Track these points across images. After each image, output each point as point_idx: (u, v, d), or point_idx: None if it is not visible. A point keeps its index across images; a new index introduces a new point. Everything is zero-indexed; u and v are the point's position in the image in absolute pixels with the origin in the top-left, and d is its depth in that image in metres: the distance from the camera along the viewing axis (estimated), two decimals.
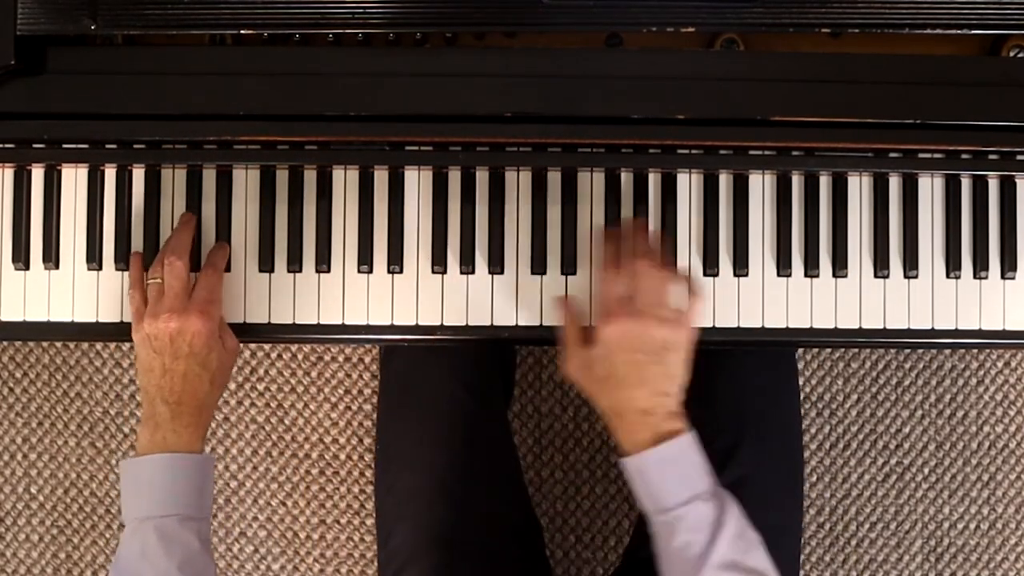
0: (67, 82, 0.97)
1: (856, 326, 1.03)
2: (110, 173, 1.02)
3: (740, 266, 1.02)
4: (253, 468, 1.66)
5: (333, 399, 1.66)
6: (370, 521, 1.65)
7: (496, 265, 1.02)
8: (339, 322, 1.02)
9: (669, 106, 0.96)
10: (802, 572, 1.63)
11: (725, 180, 1.03)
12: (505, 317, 1.02)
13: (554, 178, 1.02)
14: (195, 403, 0.95)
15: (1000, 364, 1.67)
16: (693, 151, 1.00)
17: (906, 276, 1.03)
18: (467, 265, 1.01)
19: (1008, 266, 1.03)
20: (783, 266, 1.02)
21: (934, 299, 1.03)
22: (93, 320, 1.02)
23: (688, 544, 0.87)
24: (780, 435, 1.17)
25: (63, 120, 0.98)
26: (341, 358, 1.66)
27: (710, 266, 1.02)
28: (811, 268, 1.02)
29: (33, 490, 1.66)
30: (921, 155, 1.01)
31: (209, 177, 1.02)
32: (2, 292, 1.02)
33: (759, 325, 1.02)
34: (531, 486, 1.61)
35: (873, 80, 0.97)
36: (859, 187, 1.03)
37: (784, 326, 1.02)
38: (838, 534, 1.67)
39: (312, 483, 1.66)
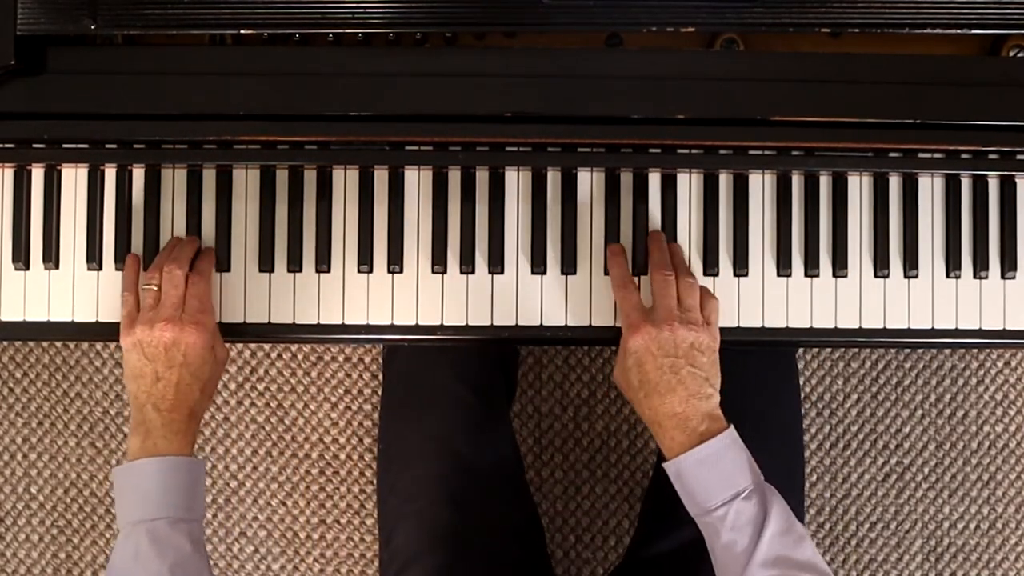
0: (67, 82, 0.97)
1: (856, 326, 1.03)
2: (110, 173, 1.02)
3: (740, 266, 1.02)
4: (253, 468, 1.66)
5: (333, 399, 1.66)
6: (370, 521, 1.65)
7: (496, 265, 1.02)
8: (339, 322, 1.02)
9: (669, 106, 0.97)
10: None
11: (725, 180, 1.03)
12: (505, 317, 1.02)
13: (554, 178, 1.02)
14: (186, 411, 0.95)
15: (1000, 364, 1.67)
16: (693, 151, 1.00)
17: (906, 276, 1.03)
18: (467, 265, 1.01)
19: (1008, 266, 1.03)
20: (783, 266, 1.02)
21: (934, 299, 1.03)
22: (93, 320, 1.02)
23: (733, 543, 0.88)
24: (780, 435, 1.17)
25: (63, 120, 0.98)
26: (341, 358, 1.66)
27: (710, 266, 1.02)
28: (811, 268, 1.02)
29: (33, 490, 1.66)
30: (921, 155, 1.01)
31: (209, 177, 1.02)
32: (2, 292, 1.02)
33: (759, 325, 1.02)
34: (531, 486, 1.61)
35: (873, 80, 0.97)
36: (859, 187, 1.03)
37: (784, 326, 1.02)
38: (838, 534, 1.67)
39: (312, 483, 1.66)
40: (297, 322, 1.02)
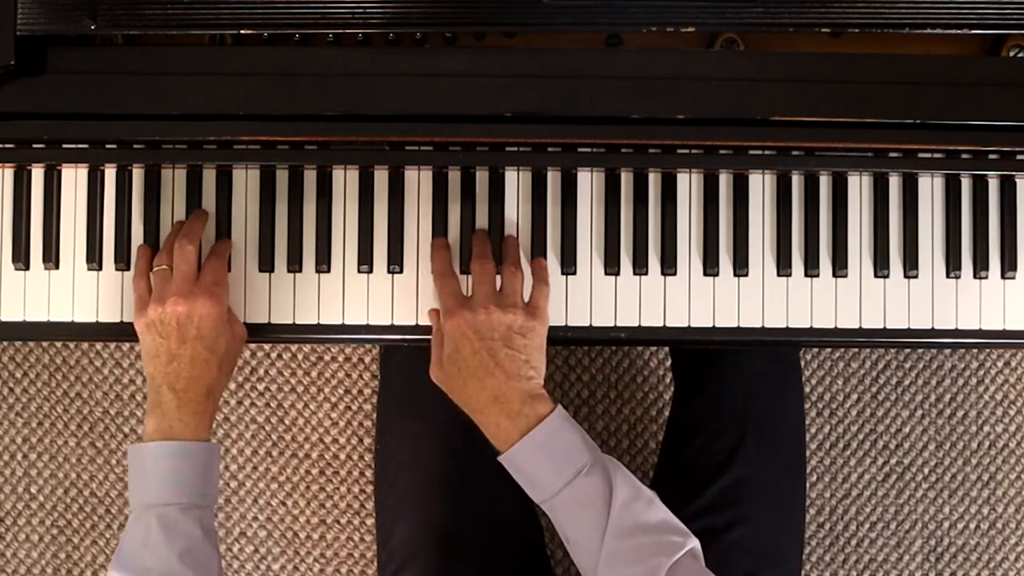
0: (67, 82, 0.97)
1: (856, 326, 1.03)
2: (110, 173, 1.02)
3: (740, 266, 1.02)
4: (253, 468, 1.66)
5: (333, 399, 1.66)
6: (370, 521, 1.65)
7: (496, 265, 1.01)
8: (339, 322, 1.02)
9: (669, 106, 0.97)
10: (802, 572, 1.63)
11: (725, 180, 1.03)
12: None
13: (554, 178, 1.02)
14: (202, 389, 0.94)
15: (1000, 364, 1.67)
16: (693, 151, 1.00)
17: (906, 276, 1.03)
18: (467, 265, 1.01)
19: (1008, 266, 1.03)
20: (783, 266, 1.02)
21: (934, 299, 1.03)
22: (93, 320, 1.02)
23: (583, 521, 0.87)
24: (783, 435, 1.17)
25: (63, 120, 0.98)
26: (341, 358, 1.66)
27: (710, 266, 1.02)
28: (811, 268, 1.02)
29: (33, 490, 1.66)
30: (921, 155, 1.01)
31: (209, 177, 1.02)
32: (2, 292, 1.02)
33: (759, 325, 1.02)
34: None
35: (873, 80, 0.97)
36: (859, 187, 1.03)
37: (784, 326, 1.02)
38: (838, 534, 1.67)
39: (312, 483, 1.66)
40: (297, 322, 1.02)
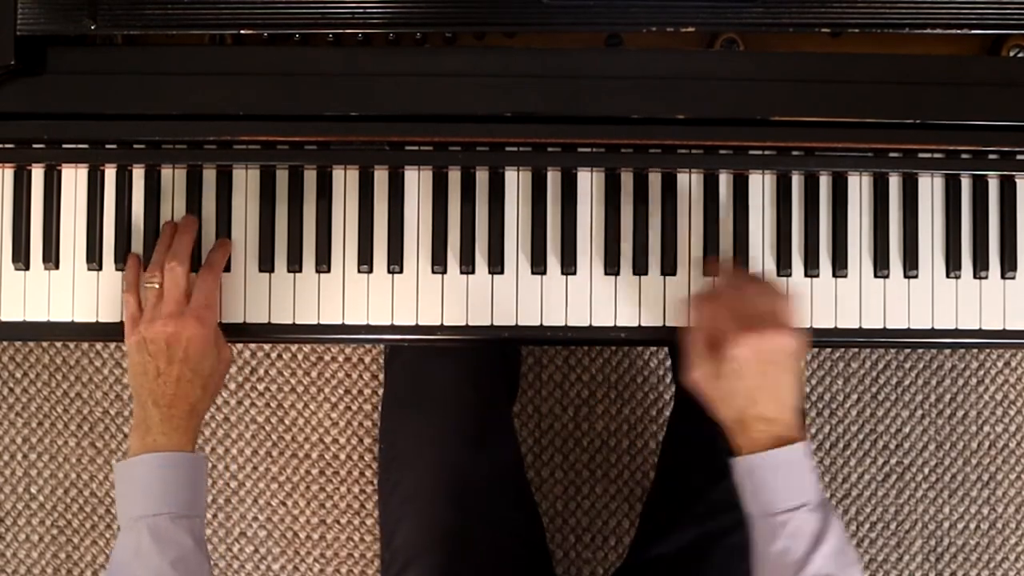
0: (67, 82, 0.97)
1: (856, 326, 1.03)
2: (110, 173, 1.02)
3: (740, 266, 1.02)
4: (253, 468, 1.66)
5: (333, 399, 1.66)
6: (370, 521, 1.65)
7: (496, 265, 1.02)
8: (339, 322, 1.02)
9: (669, 106, 0.97)
10: None
11: (725, 180, 1.02)
12: (505, 317, 1.02)
13: (554, 178, 1.02)
14: (186, 407, 0.95)
15: (1000, 364, 1.67)
16: (693, 151, 1.00)
17: (906, 276, 1.03)
18: (467, 265, 1.01)
19: (1008, 266, 1.03)
20: (783, 266, 1.02)
21: (934, 299, 1.03)
22: (93, 320, 1.02)
23: (787, 550, 0.87)
24: None
25: (63, 120, 0.98)
26: (341, 358, 1.66)
27: (710, 265, 1.02)
28: (811, 268, 1.02)
29: (33, 490, 1.66)
30: (921, 155, 1.01)
31: (209, 177, 1.02)
32: (2, 292, 1.02)
33: None
34: (531, 486, 1.61)
35: (873, 80, 0.97)
36: (859, 187, 1.03)
37: None
38: None
39: (312, 483, 1.66)
40: (297, 322, 1.02)
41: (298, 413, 1.66)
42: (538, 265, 1.01)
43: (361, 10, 0.95)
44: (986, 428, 1.67)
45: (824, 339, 1.03)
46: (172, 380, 0.94)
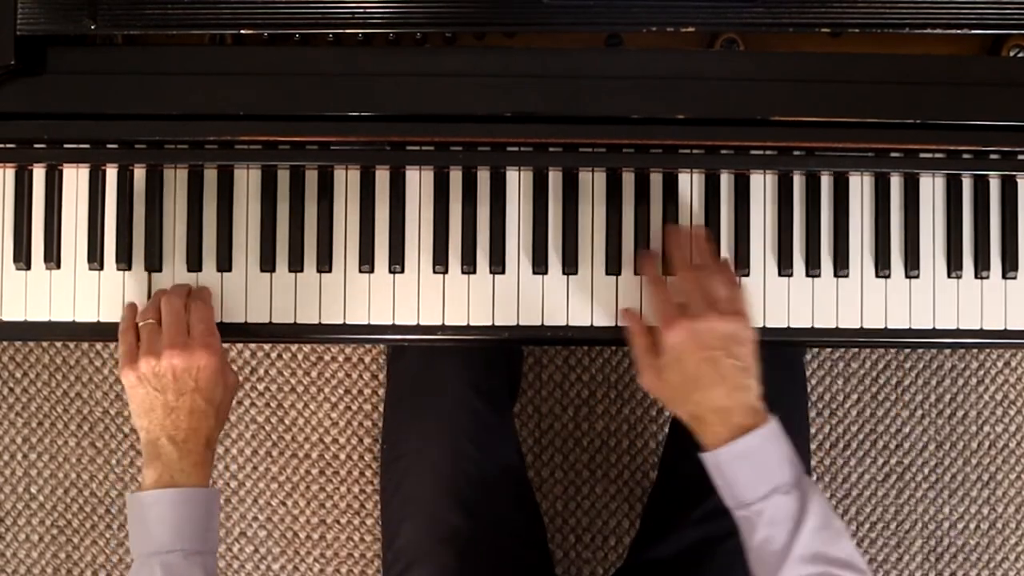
0: (67, 82, 0.97)
1: (857, 326, 1.03)
2: (111, 173, 1.02)
3: (741, 266, 1.02)
4: (253, 468, 1.66)
5: (333, 399, 1.66)
6: (370, 521, 1.65)
7: (497, 265, 1.02)
8: (340, 322, 1.02)
9: (669, 106, 0.97)
10: None
11: (726, 180, 1.03)
12: (507, 317, 1.02)
13: (555, 178, 1.02)
14: (202, 440, 0.93)
15: (1000, 364, 1.67)
16: (694, 151, 1.01)
17: (907, 276, 1.03)
18: (468, 265, 1.01)
19: (1009, 266, 1.03)
20: (784, 266, 1.02)
21: (935, 299, 1.03)
22: (94, 320, 1.02)
23: (769, 539, 0.87)
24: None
25: (63, 120, 0.98)
26: (341, 358, 1.66)
27: None
28: (812, 268, 1.02)
29: (33, 490, 1.66)
30: (922, 155, 1.01)
31: (210, 177, 1.02)
32: (3, 292, 1.02)
33: (760, 325, 1.02)
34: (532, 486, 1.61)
35: (873, 80, 0.97)
36: (860, 187, 1.03)
37: (785, 326, 1.02)
38: None
39: (312, 483, 1.66)
40: (298, 322, 1.02)
41: (298, 413, 1.66)
42: (539, 265, 1.01)
43: (361, 10, 0.95)
44: (986, 428, 1.67)
45: (826, 339, 1.03)
46: (185, 413, 0.92)
